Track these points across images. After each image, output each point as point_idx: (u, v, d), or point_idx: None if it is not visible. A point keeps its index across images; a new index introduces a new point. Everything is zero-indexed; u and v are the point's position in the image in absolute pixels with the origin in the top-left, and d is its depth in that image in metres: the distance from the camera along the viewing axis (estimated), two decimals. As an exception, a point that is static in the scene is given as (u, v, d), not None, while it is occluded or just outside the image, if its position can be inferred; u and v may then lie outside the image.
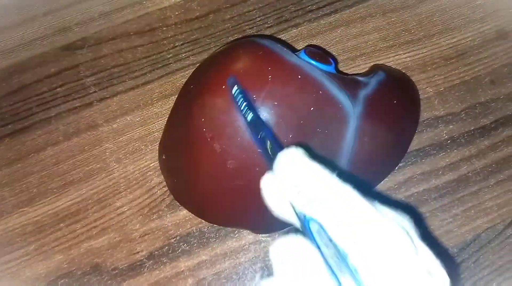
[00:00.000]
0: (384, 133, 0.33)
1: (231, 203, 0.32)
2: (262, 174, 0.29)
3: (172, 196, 0.36)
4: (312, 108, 0.29)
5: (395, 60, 0.40)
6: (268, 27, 0.43)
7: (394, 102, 0.34)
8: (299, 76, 0.29)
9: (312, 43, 0.42)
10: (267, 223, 0.34)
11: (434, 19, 0.42)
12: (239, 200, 0.31)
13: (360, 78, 0.33)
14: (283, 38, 0.42)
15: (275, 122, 0.28)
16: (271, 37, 0.42)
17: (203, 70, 0.34)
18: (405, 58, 0.40)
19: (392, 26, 0.42)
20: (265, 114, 0.28)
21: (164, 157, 0.35)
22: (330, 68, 0.32)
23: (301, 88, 0.29)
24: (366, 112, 0.31)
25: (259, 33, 0.43)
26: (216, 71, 0.31)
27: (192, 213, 0.35)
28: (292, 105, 0.29)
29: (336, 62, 0.38)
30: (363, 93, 0.32)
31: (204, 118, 0.29)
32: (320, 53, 0.32)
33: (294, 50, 0.32)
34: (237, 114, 0.28)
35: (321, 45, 0.42)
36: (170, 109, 0.40)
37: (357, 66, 0.40)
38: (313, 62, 0.31)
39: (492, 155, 0.36)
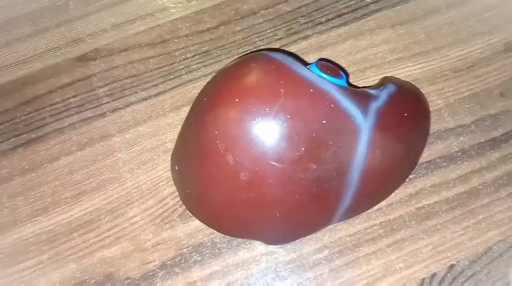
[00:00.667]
0: (395, 145, 0.33)
1: (243, 215, 0.32)
2: (275, 186, 0.30)
3: (184, 206, 0.36)
4: (324, 121, 0.29)
5: (405, 72, 0.41)
6: (278, 39, 0.44)
7: (405, 114, 0.34)
8: (311, 90, 0.30)
9: (321, 55, 0.42)
10: (279, 235, 0.34)
11: (443, 32, 0.42)
12: (251, 212, 0.31)
13: (371, 91, 0.34)
14: (293, 50, 0.43)
15: (288, 135, 0.29)
16: (281, 51, 0.42)
17: (216, 83, 0.34)
18: (415, 70, 0.41)
19: (401, 38, 0.42)
20: (278, 127, 0.28)
21: (176, 168, 0.35)
22: (341, 82, 0.32)
23: (313, 102, 0.30)
24: (378, 125, 0.31)
25: (269, 45, 0.43)
26: (228, 84, 0.32)
27: (204, 224, 0.35)
28: (304, 118, 0.29)
29: (347, 75, 0.39)
30: (374, 106, 0.32)
31: (218, 131, 0.30)
32: (331, 67, 0.33)
33: (305, 64, 0.33)
34: (250, 126, 0.29)
35: (331, 57, 0.42)
36: (182, 119, 0.40)
37: (366, 78, 0.41)
38: (324, 75, 0.31)
39: (502, 168, 0.36)
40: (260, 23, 0.45)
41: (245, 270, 0.35)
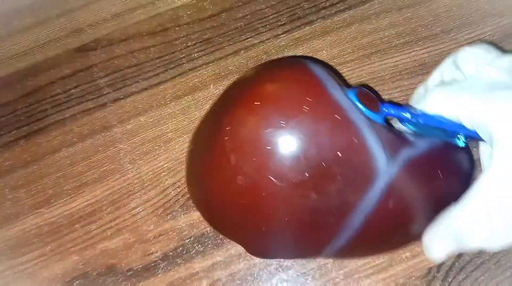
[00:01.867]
0: (415, 202, 0.29)
1: (230, 217, 0.31)
2: (268, 200, 0.28)
3: (185, 197, 0.36)
4: (339, 154, 0.27)
5: (412, 56, 0.39)
6: (281, 25, 0.43)
7: (440, 174, 0.29)
8: (337, 116, 0.27)
9: (326, 41, 0.41)
10: (260, 249, 0.32)
11: (451, 14, 0.41)
12: (239, 217, 0.30)
13: (408, 136, 0.30)
14: (296, 36, 0.42)
15: (295, 156, 0.26)
16: (325, 65, 0.40)
17: (247, 78, 0.33)
18: (422, 54, 0.39)
19: (408, 21, 0.41)
20: (287, 143, 0.26)
21: (189, 156, 0.35)
22: (377, 117, 0.29)
23: (334, 129, 0.27)
24: (402, 175, 0.28)
25: (272, 31, 0.42)
26: (256, 83, 0.30)
27: (203, 217, 0.34)
28: (319, 143, 0.27)
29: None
30: (406, 153, 0.28)
31: (230, 127, 0.28)
32: (371, 97, 0.29)
33: (345, 84, 0.30)
34: (260, 133, 0.27)
35: (335, 42, 0.41)
36: (183, 109, 0.40)
37: (372, 63, 0.40)
38: (359, 104, 0.28)
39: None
40: (263, 9, 0.44)
41: (247, 261, 0.34)
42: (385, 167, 0.27)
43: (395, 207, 0.28)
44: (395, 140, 0.29)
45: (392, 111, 0.30)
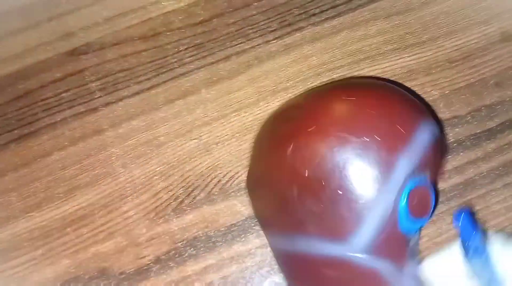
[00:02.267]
0: None
1: (259, 153, 0.34)
2: (283, 165, 0.29)
3: (178, 200, 0.36)
4: (340, 192, 0.27)
5: (400, 63, 0.40)
6: (271, 31, 0.43)
7: None
8: (379, 177, 0.27)
9: (316, 47, 0.42)
10: (252, 189, 0.35)
11: (438, 22, 0.42)
12: (259, 159, 0.33)
13: (414, 270, 0.29)
14: (287, 42, 0.42)
15: (320, 159, 0.27)
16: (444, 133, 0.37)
17: (376, 83, 0.34)
18: (410, 61, 0.40)
19: (396, 29, 0.42)
20: (323, 149, 0.27)
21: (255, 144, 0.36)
22: (413, 223, 0.28)
23: (352, 180, 0.27)
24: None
25: (262, 37, 0.43)
26: (368, 89, 0.31)
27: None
28: (345, 176, 0.27)
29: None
30: (391, 268, 0.28)
31: (311, 99, 0.31)
32: (426, 203, 0.28)
33: (435, 174, 0.30)
34: (321, 123, 0.29)
35: (325, 49, 0.42)
36: (176, 113, 0.40)
37: (361, 69, 0.40)
38: (403, 198, 0.27)
39: (498, 158, 0.36)
40: (254, 15, 0.44)
41: (240, 264, 0.34)
42: (360, 247, 0.27)
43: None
44: (398, 250, 0.28)
45: (460, 224, 0.28)
